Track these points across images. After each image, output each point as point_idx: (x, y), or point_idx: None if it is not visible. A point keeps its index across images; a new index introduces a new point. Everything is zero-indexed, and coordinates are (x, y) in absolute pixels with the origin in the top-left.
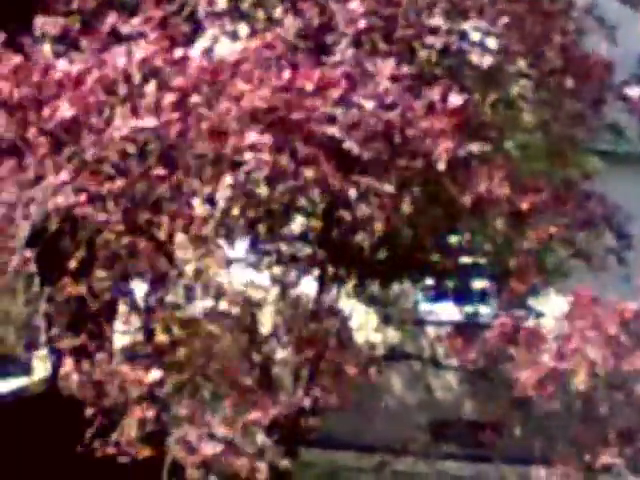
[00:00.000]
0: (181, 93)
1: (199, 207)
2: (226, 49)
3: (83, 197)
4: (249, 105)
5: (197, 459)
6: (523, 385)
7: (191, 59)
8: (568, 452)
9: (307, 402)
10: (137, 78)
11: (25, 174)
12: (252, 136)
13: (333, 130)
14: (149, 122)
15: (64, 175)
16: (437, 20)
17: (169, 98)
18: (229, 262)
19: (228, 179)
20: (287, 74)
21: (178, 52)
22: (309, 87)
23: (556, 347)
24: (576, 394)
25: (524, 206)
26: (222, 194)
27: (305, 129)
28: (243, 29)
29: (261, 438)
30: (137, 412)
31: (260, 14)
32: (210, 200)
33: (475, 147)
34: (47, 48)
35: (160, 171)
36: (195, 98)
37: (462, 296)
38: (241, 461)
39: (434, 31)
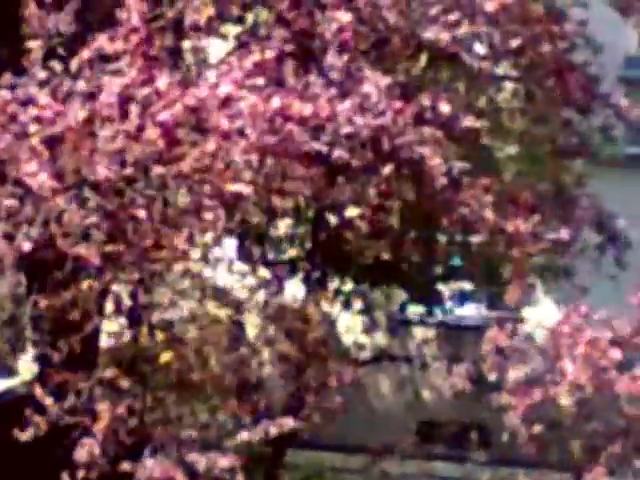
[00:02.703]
0: (166, 127)
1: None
2: (214, 52)
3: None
4: (239, 148)
5: None
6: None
7: (174, 89)
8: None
9: (294, 404)
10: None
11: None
12: (237, 186)
13: (320, 145)
14: (135, 153)
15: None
16: (428, 27)
17: (154, 132)
18: (215, 264)
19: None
20: (277, 103)
21: (161, 81)
22: (300, 114)
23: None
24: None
25: (510, 228)
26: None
27: (292, 143)
28: (232, 31)
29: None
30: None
31: (249, 18)
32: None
33: (461, 165)
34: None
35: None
36: (181, 133)
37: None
38: None
39: (424, 38)
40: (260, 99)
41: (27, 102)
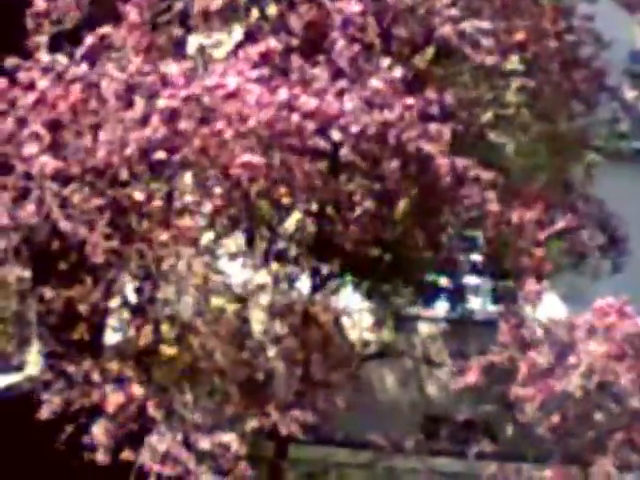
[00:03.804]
0: (170, 113)
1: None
2: (219, 50)
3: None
4: (245, 127)
5: (163, 470)
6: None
7: (178, 76)
8: (563, 452)
9: (299, 400)
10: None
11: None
12: (245, 157)
13: (326, 143)
14: (135, 136)
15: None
16: (435, 19)
17: (157, 118)
18: (220, 259)
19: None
20: (284, 94)
21: (165, 67)
22: (304, 108)
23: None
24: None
25: (515, 218)
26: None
27: (297, 136)
28: (238, 26)
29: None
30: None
31: (255, 12)
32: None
33: (467, 162)
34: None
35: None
36: (184, 122)
37: (455, 294)
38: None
39: (432, 31)
40: (266, 91)
41: (28, 86)
